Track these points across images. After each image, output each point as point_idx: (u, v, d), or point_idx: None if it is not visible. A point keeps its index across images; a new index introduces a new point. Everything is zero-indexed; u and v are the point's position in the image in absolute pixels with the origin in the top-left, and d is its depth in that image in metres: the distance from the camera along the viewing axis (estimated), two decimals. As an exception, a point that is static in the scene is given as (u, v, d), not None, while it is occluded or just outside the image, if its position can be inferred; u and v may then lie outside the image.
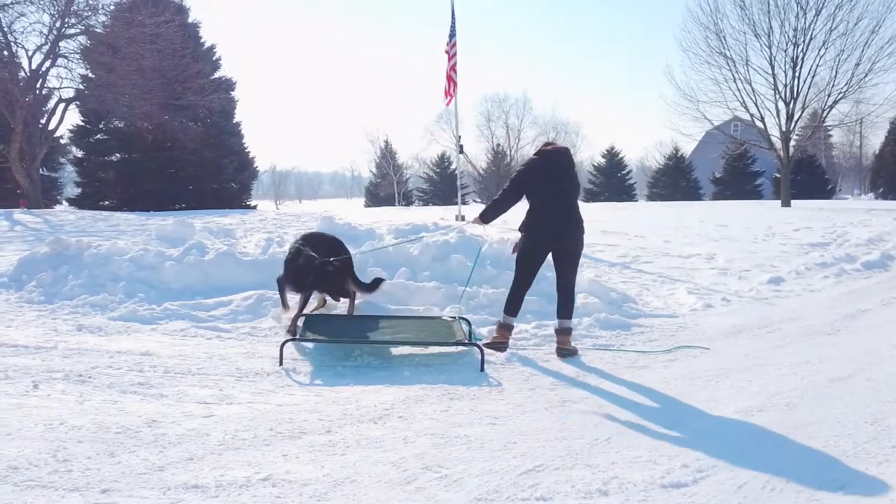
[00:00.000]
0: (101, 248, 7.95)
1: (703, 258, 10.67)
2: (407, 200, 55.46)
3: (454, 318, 6.19)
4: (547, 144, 6.05)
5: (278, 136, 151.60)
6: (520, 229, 5.85)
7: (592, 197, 50.76)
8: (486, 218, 5.99)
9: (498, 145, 62.49)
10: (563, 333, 5.80)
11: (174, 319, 6.54)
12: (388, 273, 7.56)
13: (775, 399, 4.65)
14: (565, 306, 5.80)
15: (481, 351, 5.36)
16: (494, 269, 7.59)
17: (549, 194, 5.71)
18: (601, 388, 4.97)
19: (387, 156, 58.25)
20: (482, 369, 5.29)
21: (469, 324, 6.08)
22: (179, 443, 3.80)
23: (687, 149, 49.15)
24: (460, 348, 5.63)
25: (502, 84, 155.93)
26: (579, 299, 7.19)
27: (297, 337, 5.69)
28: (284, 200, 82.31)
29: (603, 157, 54.30)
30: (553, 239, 5.73)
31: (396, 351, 5.69)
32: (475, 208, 33.90)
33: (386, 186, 56.31)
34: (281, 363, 5.30)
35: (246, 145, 36.82)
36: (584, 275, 8.55)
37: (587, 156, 67.78)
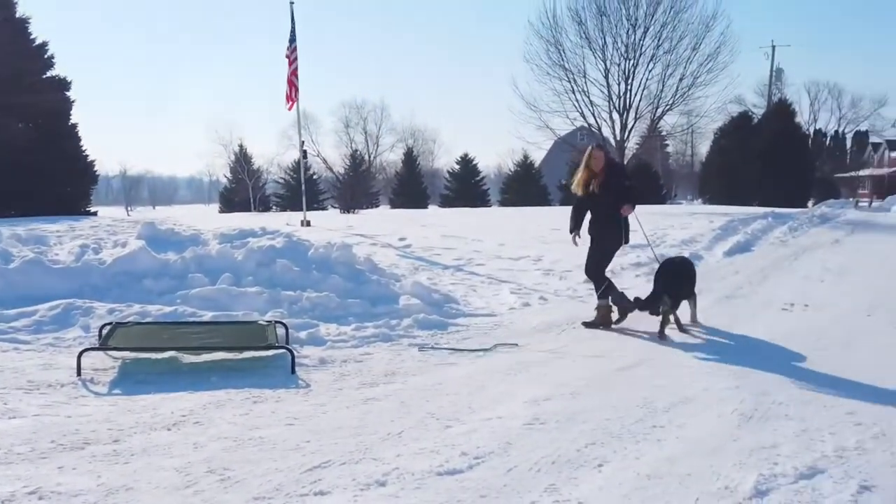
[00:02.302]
0: None
1: (531, 260, 11.21)
2: (264, 206, 54.15)
3: (269, 322, 6.18)
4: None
5: (128, 138, 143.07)
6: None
7: (448, 203, 51.74)
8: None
9: (356, 151, 62.41)
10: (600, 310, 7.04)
11: (-34, 332, 6.10)
12: (211, 279, 7.44)
13: (563, 388, 4.99)
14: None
15: (291, 354, 5.39)
16: (319, 273, 7.63)
17: None
18: (407, 385, 5.14)
19: (241, 160, 56.63)
20: (293, 372, 5.32)
21: (285, 327, 6.10)
22: (-56, 461, 3.58)
23: (537, 157, 51.18)
24: (274, 352, 5.63)
25: (360, 90, 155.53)
26: (402, 301, 7.40)
27: (99, 346, 5.49)
28: (136, 206, 77.98)
29: (458, 163, 55.56)
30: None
31: (207, 357, 5.61)
32: (331, 214, 33.64)
33: (241, 192, 54.77)
34: (79, 374, 5.09)
35: (84, 148, 34.59)
36: (411, 277, 8.79)
37: (445, 163, 69.02)
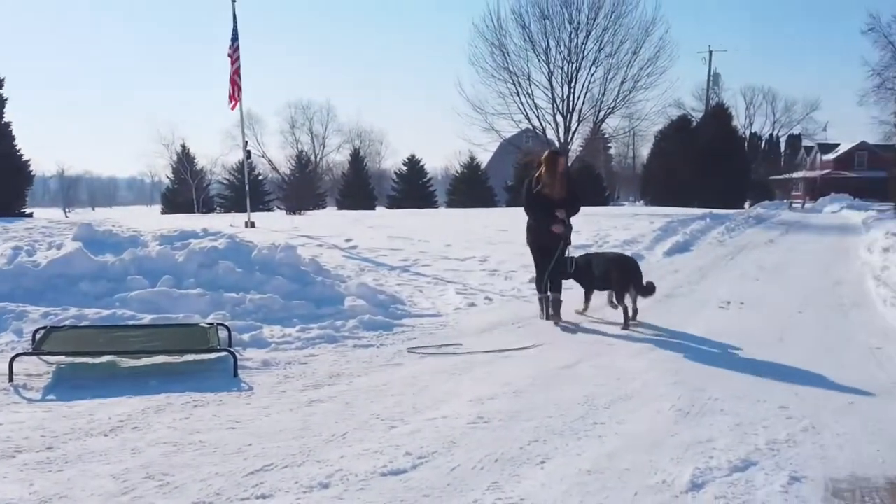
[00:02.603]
0: None
1: (477, 261, 11.30)
2: (207, 207, 53.15)
3: (211, 324, 6.09)
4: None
5: (67, 138, 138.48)
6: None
7: (395, 204, 51.64)
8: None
9: (302, 152, 61.87)
10: (557, 304, 7.31)
11: None
12: (151, 281, 7.28)
13: (507, 387, 5.05)
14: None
15: (234, 357, 5.32)
16: (263, 274, 7.54)
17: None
18: (352, 387, 5.11)
19: (183, 161, 55.50)
20: (235, 375, 5.25)
21: (228, 330, 6.01)
22: None
23: (483, 158, 51.49)
24: (216, 355, 5.54)
25: (306, 90, 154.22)
26: (347, 302, 7.37)
27: (32, 351, 5.32)
28: (75, 207, 75.51)
29: (405, 164, 55.52)
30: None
31: (147, 360, 5.48)
32: (277, 215, 33.20)
33: (184, 192, 53.70)
34: (11, 379, 4.92)
35: (18, 147, 33.40)
36: (357, 279, 8.77)
37: (392, 164, 68.92)
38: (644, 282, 7.30)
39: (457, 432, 4.15)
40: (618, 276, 7.22)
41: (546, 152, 7.71)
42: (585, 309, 7.66)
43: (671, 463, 3.67)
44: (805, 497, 3.28)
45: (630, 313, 7.11)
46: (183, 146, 56.94)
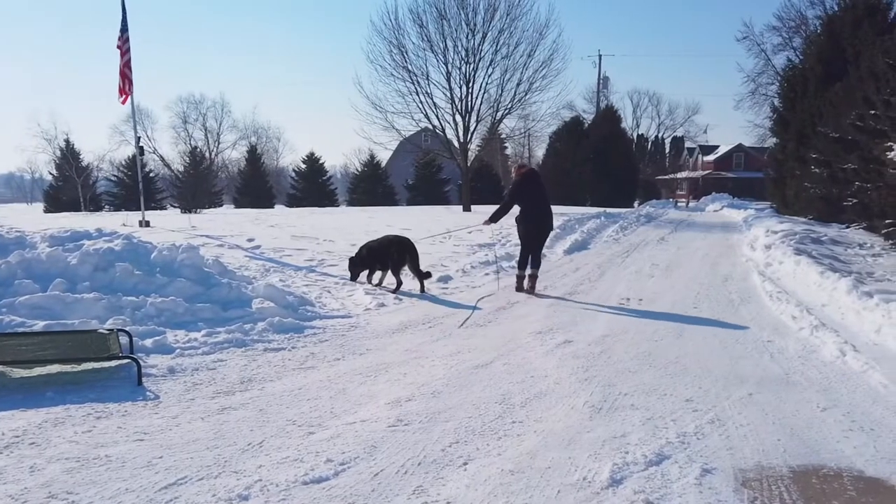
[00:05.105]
0: None
1: (384, 260, 11.22)
2: (95, 205, 50.50)
3: (110, 330, 5.77)
4: (521, 167, 9.93)
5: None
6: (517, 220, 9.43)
7: (295, 202, 50.73)
8: (494, 219, 9.55)
9: (196, 148, 59.82)
10: (534, 278, 9.30)
11: None
12: (42, 285, 6.83)
13: (424, 388, 5.05)
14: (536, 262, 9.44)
15: (138, 364, 5.07)
16: (164, 276, 7.21)
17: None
18: (265, 392, 4.98)
19: (68, 156, 52.53)
20: (140, 383, 5.00)
21: (129, 335, 5.72)
22: None
23: (383, 156, 51.33)
24: (117, 362, 5.26)
25: (198, 85, 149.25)
26: (255, 304, 7.18)
27: None
28: (-54, 205, 69.99)
29: (304, 162, 54.54)
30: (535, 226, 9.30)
31: (41, 370, 5.14)
32: (172, 214, 31.93)
33: (69, 190, 50.84)
34: None
35: None
36: (263, 280, 8.54)
37: (290, 161, 67.63)
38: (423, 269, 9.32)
39: (377, 436, 4.11)
40: (396, 252, 9.13)
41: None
42: (379, 283, 9.32)
43: (590, 459, 3.77)
44: (717, 488, 3.44)
45: (421, 286, 9.05)
46: (67, 141, 53.95)
